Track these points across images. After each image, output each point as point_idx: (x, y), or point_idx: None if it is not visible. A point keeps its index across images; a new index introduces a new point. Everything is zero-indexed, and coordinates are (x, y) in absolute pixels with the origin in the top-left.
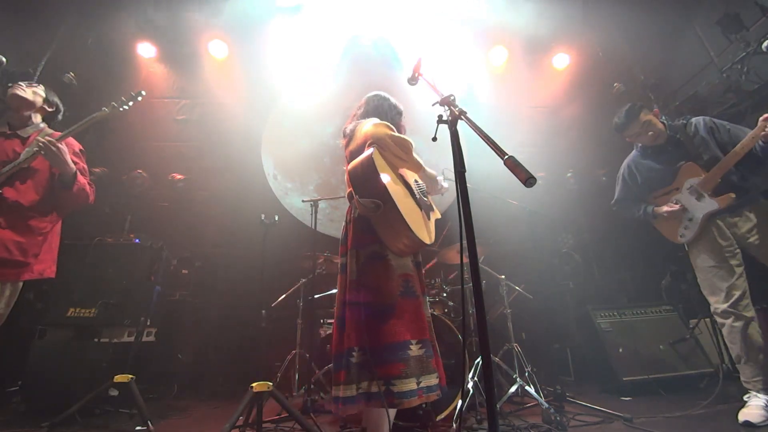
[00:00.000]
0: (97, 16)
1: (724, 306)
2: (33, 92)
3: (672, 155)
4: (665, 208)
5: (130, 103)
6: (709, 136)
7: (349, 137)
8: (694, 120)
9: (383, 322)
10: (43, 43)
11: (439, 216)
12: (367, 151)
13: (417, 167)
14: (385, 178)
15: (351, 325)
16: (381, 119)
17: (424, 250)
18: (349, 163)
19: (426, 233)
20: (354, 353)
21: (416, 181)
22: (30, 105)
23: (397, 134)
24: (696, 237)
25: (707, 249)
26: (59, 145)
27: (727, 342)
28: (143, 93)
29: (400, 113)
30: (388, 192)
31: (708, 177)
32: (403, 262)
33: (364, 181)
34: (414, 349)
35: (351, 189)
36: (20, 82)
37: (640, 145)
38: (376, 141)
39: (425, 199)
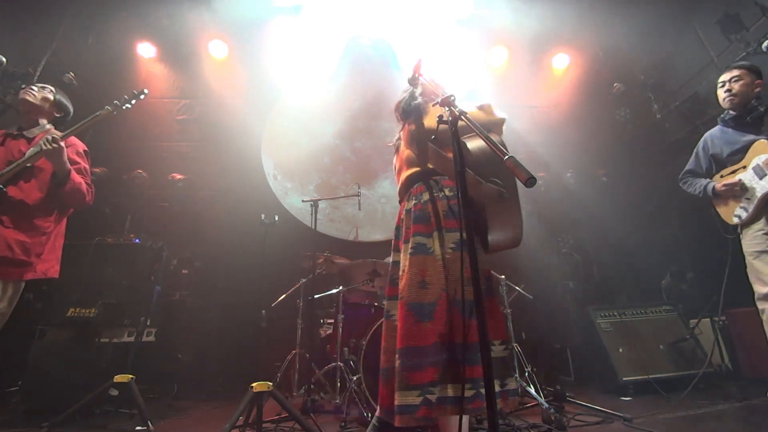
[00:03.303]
0: (97, 16)
1: (765, 290)
2: (42, 98)
3: (750, 129)
4: (723, 182)
5: (133, 102)
6: None
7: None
8: None
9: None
10: (43, 43)
11: None
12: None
13: None
14: None
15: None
16: None
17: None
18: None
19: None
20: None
21: None
22: (38, 110)
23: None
24: (750, 219)
25: (759, 233)
26: (61, 144)
27: (766, 328)
28: (146, 91)
29: None
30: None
31: None
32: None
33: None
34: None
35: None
36: (33, 86)
37: (722, 116)
38: (496, 128)
39: None
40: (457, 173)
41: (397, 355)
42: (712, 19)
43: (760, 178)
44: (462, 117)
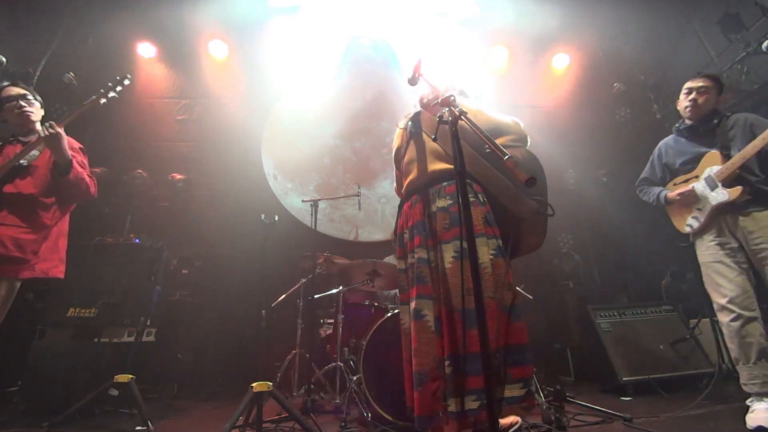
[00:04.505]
0: (97, 16)
1: (722, 302)
2: (37, 109)
3: (702, 141)
4: (677, 191)
5: (118, 89)
6: (744, 130)
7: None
8: (736, 115)
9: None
10: (43, 43)
11: None
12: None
13: None
14: None
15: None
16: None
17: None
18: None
19: None
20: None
21: None
22: (36, 121)
23: None
24: (702, 229)
25: (711, 243)
26: (59, 129)
27: (726, 341)
28: (129, 77)
29: None
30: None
31: (726, 167)
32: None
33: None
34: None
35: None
36: (23, 103)
37: (677, 125)
38: (523, 141)
39: None
40: (457, 173)
41: (448, 362)
42: (712, 19)
43: (712, 189)
44: (462, 117)
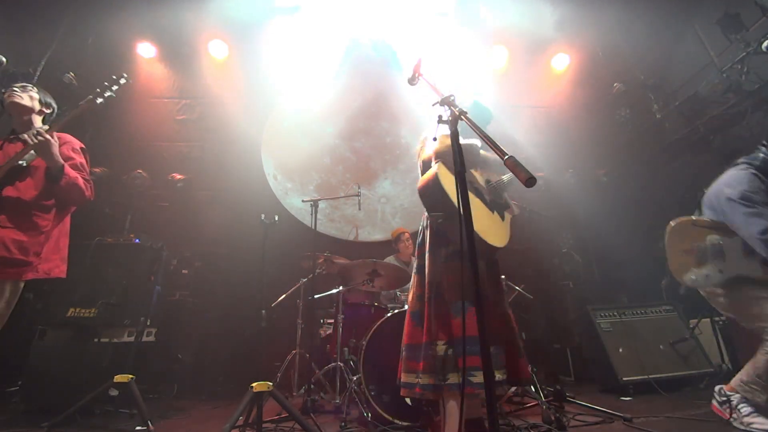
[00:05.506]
0: (97, 16)
1: None
2: (29, 97)
3: None
4: None
5: (114, 88)
6: None
7: (420, 146)
8: None
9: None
10: (43, 43)
11: (516, 212)
12: (432, 168)
13: (485, 167)
14: (451, 189)
15: (431, 320)
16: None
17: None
18: (422, 172)
19: (493, 235)
20: (436, 346)
21: (489, 181)
22: (29, 110)
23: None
24: None
25: None
26: (47, 136)
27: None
28: (125, 76)
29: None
30: (450, 200)
31: None
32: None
33: (431, 197)
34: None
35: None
36: (14, 88)
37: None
38: (440, 156)
39: (499, 199)
40: (457, 173)
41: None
42: (712, 19)
43: None
44: (462, 117)
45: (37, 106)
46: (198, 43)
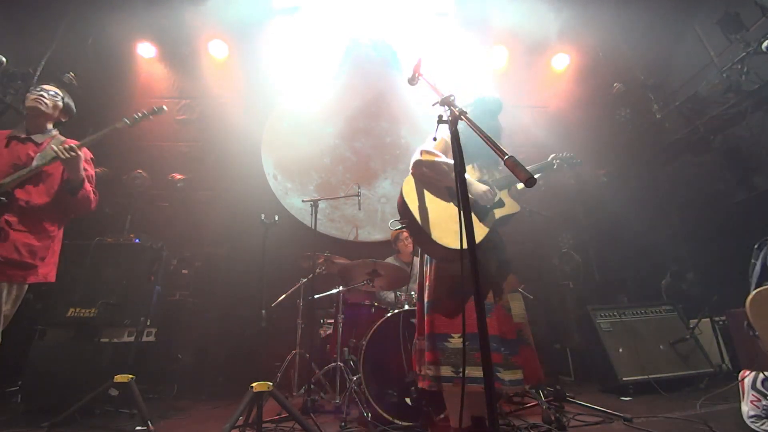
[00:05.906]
0: (97, 16)
1: None
2: (54, 105)
3: None
4: None
5: (151, 117)
6: None
7: None
8: None
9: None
10: (43, 43)
11: (516, 209)
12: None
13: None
14: (411, 198)
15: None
16: None
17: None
18: None
19: (454, 236)
20: (452, 338)
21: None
22: (48, 117)
23: (428, 159)
24: None
25: None
26: (78, 152)
27: None
28: (165, 108)
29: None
30: (409, 210)
31: None
32: (454, 265)
33: (399, 206)
34: (453, 342)
35: None
36: (44, 93)
37: None
38: (414, 174)
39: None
40: (457, 173)
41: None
42: (712, 19)
43: None
44: (462, 116)
45: (56, 115)
46: (198, 43)
